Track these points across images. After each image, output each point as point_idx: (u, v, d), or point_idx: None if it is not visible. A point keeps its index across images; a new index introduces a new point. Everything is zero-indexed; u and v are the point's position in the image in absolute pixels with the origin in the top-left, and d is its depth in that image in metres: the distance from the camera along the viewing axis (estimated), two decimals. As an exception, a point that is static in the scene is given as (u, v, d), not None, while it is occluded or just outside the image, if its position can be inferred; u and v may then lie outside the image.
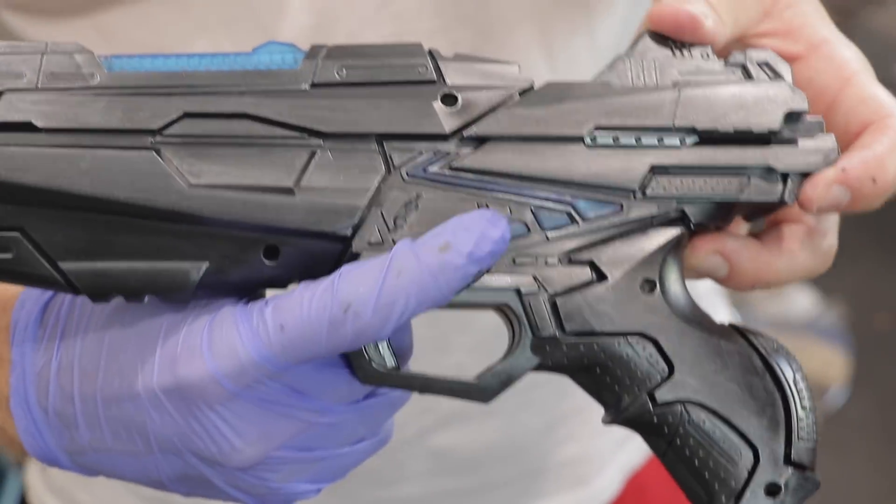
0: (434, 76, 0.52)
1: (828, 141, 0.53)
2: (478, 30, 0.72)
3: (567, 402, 0.83)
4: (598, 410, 0.86)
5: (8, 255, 0.50)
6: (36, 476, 0.90)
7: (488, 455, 0.83)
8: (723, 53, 0.55)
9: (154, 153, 0.50)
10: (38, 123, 0.50)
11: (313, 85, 0.51)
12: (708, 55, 0.54)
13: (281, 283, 0.51)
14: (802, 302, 2.41)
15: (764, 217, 0.56)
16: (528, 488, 0.85)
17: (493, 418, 0.81)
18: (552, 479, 0.85)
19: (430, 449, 0.81)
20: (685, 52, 0.53)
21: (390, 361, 0.51)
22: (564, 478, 0.85)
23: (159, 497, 0.82)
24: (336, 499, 0.82)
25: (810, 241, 0.56)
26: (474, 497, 0.84)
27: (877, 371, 2.38)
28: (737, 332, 0.53)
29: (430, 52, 0.52)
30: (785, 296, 2.38)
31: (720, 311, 1.01)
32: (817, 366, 2.40)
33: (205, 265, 0.50)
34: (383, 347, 0.51)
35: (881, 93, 0.56)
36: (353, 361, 0.50)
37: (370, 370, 0.51)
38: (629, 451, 0.89)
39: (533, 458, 0.84)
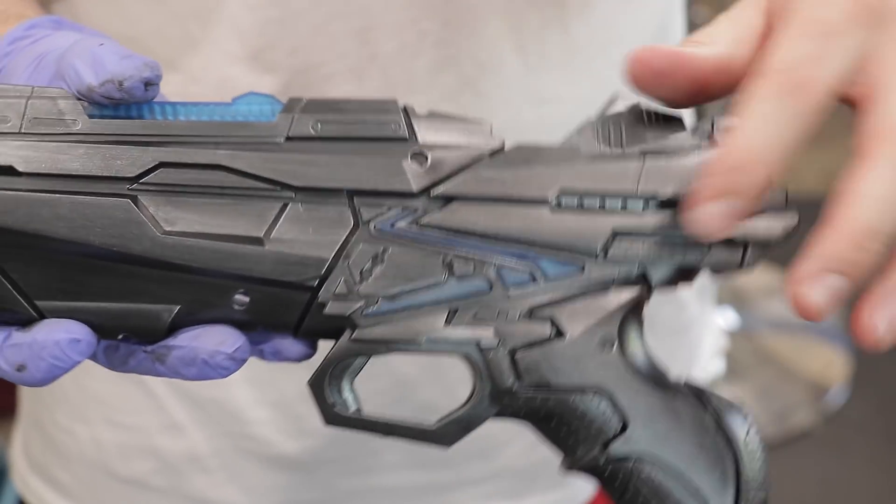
0: (406, 134, 0.52)
1: (788, 216, 0.52)
2: (447, 21, 0.71)
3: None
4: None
5: None
6: (18, 451, 0.90)
7: (463, 451, 0.81)
8: None
9: (130, 201, 0.51)
10: (20, 168, 0.50)
11: (288, 138, 0.52)
12: (678, 119, 0.53)
13: (251, 326, 0.52)
14: (803, 301, 2.41)
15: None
16: (504, 487, 0.85)
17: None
18: (527, 479, 0.85)
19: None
20: (654, 118, 0.53)
21: (353, 405, 0.53)
22: (541, 478, 0.85)
23: (136, 478, 0.83)
24: (310, 488, 0.82)
25: None
26: (449, 492, 0.83)
27: (877, 371, 2.39)
28: (691, 391, 0.54)
29: (405, 109, 0.53)
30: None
31: (710, 310, 1.01)
32: (817, 366, 2.39)
33: (176, 308, 0.51)
34: (346, 391, 0.53)
35: None
36: (318, 405, 0.52)
37: (333, 413, 0.52)
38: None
39: (508, 457, 0.84)
